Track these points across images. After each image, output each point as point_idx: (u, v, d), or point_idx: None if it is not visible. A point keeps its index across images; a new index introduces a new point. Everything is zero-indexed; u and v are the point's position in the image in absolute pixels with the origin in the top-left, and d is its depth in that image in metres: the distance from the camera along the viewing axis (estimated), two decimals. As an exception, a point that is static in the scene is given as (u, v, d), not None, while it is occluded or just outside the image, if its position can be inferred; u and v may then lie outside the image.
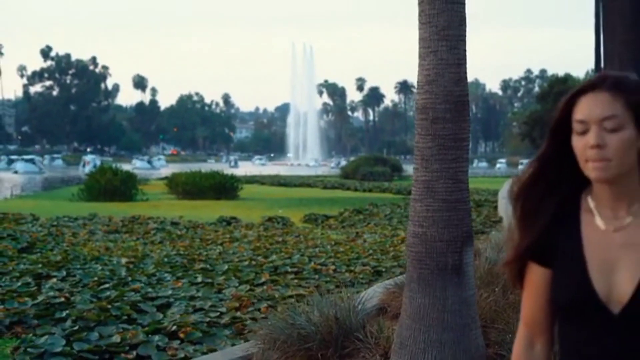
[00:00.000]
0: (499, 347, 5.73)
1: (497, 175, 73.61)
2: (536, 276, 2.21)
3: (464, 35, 5.18)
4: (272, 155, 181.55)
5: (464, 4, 5.16)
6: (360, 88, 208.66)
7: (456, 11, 5.13)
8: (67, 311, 8.47)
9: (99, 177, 32.39)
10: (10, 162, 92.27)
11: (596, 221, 2.10)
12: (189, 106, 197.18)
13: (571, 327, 2.11)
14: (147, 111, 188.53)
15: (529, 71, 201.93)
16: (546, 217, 2.17)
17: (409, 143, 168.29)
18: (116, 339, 7.35)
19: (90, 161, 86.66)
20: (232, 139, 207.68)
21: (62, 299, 9.06)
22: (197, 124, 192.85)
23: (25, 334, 7.74)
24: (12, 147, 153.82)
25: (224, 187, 33.51)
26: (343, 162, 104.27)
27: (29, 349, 6.83)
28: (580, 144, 2.02)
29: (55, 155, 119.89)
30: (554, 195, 2.17)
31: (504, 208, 19.40)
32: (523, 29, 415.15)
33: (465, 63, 5.25)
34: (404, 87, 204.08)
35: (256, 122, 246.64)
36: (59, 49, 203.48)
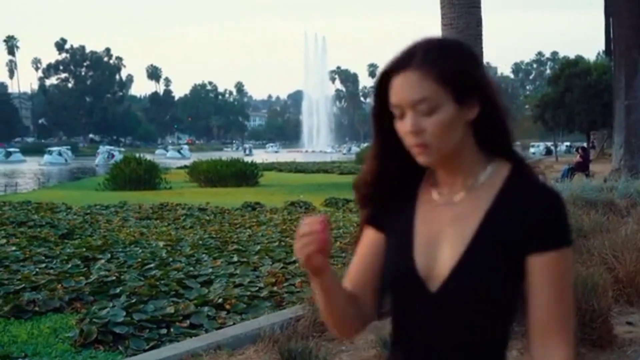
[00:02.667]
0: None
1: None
2: (368, 241, 2.08)
3: (481, 35, 5.98)
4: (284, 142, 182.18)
5: (480, 7, 5.94)
6: (372, 74, 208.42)
7: (474, 14, 5.92)
8: (120, 288, 9.30)
9: (124, 167, 33.27)
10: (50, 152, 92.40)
11: (432, 195, 1.98)
12: (202, 95, 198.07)
13: (397, 309, 1.98)
14: (161, 101, 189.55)
15: (540, 54, 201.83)
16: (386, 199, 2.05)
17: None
18: (170, 310, 8.17)
19: (101, 152, 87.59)
20: (246, 127, 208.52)
21: (113, 278, 9.90)
22: (211, 113, 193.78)
23: (84, 309, 8.56)
24: (29, 140, 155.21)
25: (244, 175, 34.33)
26: (355, 148, 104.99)
27: (94, 319, 7.62)
28: (401, 130, 1.88)
29: (64, 147, 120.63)
30: (396, 181, 2.03)
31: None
32: (534, 11, 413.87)
33: (482, 59, 6.11)
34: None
35: (269, 110, 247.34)
36: (73, 41, 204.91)
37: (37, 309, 8.54)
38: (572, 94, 41.35)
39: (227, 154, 60.37)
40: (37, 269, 10.55)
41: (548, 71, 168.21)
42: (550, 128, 46.50)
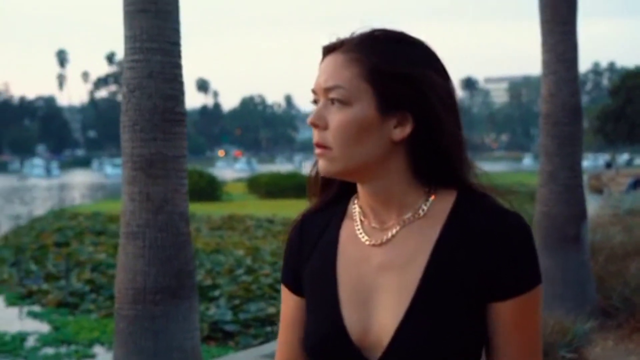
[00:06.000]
0: (609, 300, 7.15)
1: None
2: (289, 306, 1.66)
3: (577, 58, 6.78)
4: None
5: (575, 33, 6.67)
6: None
7: (570, 40, 6.73)
8: (218, 291, 9.94)
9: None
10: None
11: (357, 232, 1.55)
12: (251, 108, 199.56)
13: None
14: (210, 114, 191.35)
15: (596, 64, 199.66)
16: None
17: (475, 139, 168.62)
18: (272, 310, 8.80)
19: None
20: (294, 140, 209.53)
21: (209, 282, 10.54)
22: (260, 126, 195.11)
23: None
24: (79, 153, 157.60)
25: (304, 187, 34.89)
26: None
27: (203, 318, 8.25)
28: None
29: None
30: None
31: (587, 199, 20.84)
32: (588, 20, 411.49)
33: (577, 78, 6.86)
34: (468, 84, 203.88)
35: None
36: (122, 55, 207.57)
37: (144, 309, 9.15)
38: (633, 105, 41.31)
39: (282, 167, 60.94)
40: (133, 274, 11.15)
41: (605, 82, 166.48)
42: (611, 140, 46.32)
